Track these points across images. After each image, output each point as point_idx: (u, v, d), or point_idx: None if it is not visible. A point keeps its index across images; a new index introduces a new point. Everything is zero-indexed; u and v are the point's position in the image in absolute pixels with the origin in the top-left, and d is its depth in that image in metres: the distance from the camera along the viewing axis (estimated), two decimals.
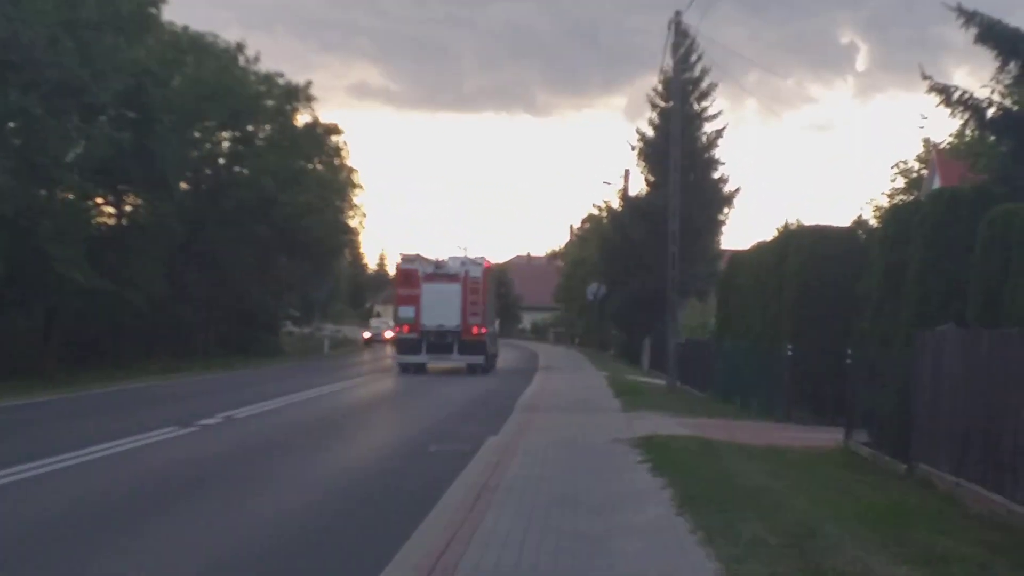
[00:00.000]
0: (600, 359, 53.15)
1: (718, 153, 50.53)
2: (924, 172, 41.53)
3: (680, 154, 32.34)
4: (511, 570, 7.91)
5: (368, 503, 11.54)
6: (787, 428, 19.36)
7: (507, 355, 49.67)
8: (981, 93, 17.58)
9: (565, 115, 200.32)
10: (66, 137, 32.35)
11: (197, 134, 48.19)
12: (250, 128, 51.63)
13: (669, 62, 33.68)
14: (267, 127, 52.70)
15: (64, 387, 28.76)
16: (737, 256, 29.99)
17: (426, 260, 39.23)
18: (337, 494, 12.03)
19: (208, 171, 51.19)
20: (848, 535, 8.90)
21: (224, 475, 13.39)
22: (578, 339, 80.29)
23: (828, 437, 16.59)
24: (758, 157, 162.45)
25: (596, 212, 74.17)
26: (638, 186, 54.04)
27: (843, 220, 59.25)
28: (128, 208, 42.16)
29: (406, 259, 39.50)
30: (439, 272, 38.17)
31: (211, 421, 19.58)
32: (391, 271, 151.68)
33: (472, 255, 40.08)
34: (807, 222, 41.86)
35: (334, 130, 56.31)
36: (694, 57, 47.94)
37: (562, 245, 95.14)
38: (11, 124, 31.65)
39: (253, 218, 49.11)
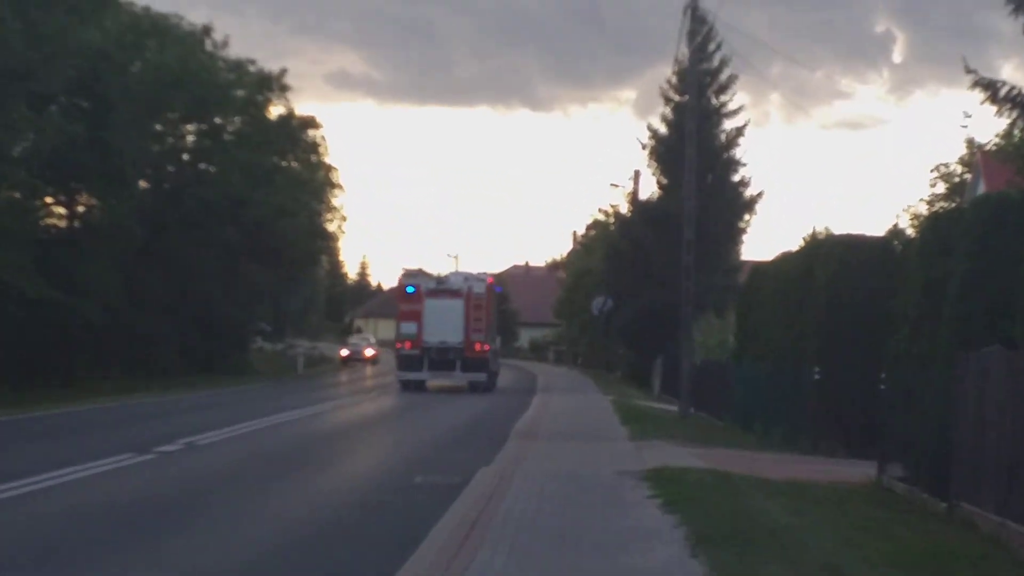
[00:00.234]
0: (606, 381, 53.18)
1: (738, 153, 50.72)
2: (967, 176, 41.63)
3: (696, 154, 32.37)
4: None
5: (344, 543, 11.48)
6: (813, 460, 19.33)
7: (502, 376, 49.76)
8: None
9: (568, 109, 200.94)
10: (12, 128, 32.38)
11: (159, 126, 48.29)
12: (217, 120, 51.73)
13: (684, 51, 33.81)
14: (236, 119, 52.79)
15: (6, 408, 28.64)
16: (759, 268, 30.01)
17: (428, 275, 42.70)
18: (309, 533, 11.98)
19: (171, 168, 51.27)
20: None
21: (182, 511, 13.32)
22: (581, 359, 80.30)
23: (859, 471, 16.56)
24: (783, 158, 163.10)
25: (602, 218, 74.30)
26: (649, 189, 54.21)
27: (877, 229, 59.42)
28: (81, 208, 42.23)
29: (408, 274, 42.83)
30: (442, 288, 41.15)
31: (171, 448, 19.50)
32: (373, 282, 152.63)
33: (474, 270, 42.84)
34: (837, 231, 41.88)
35: (311, 123, 56.46)
36: (712, 46, 47.97)
37: (564, 254, 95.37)
38: None
39: (220, 220, 49.17)
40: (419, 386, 41.08)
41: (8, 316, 35.06)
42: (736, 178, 50.48)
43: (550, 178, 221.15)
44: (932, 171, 46.06)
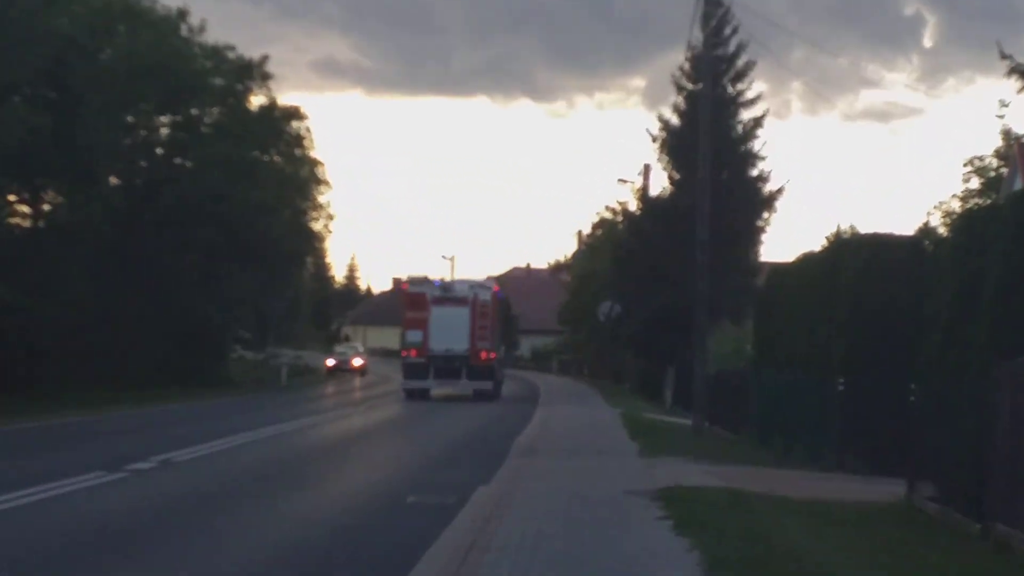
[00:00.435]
0: (613, 393, 53.23)
1: (756, 146, 50.59)
2: (1004, 170, 41.62)
3: (710, 147, 32.38)
4: None
5: (329, 570, 11.48)
6: (837, 478, 19.34)
7: (502, 389, 49.95)
8: None
9: (572, 99, 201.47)
10: None
11: (130, 118, 48.33)
12: (194, 111, 51.81)
13: (698, 36, 33.86)
14: (214, 110, 52.87)
15: None
16: (779, 269, 30.03)
17: (432, 282, 45.46)
18: (291, 560, 11.97)
19: (143, 163, 51.32)
20: None
21: (155, 535, 13.31)
22: (587, 368, 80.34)
23: (886, 490, 16.57)
24: (804, 151, 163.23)
25: (609, 216, 74.31)
26: (660, 185, 54.14)
27: (906, 227, 59.43)
28: (47, 207, 42.26)
29: (414, 282, 45.68)
30: (448, 295, 44.01)
31: (144, 465, 19.51)
32: (362, 285, 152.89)
33: (473, 275, 45.79)
34: (863, 229, 41.93)
35: (295, 114, 56.49)
36: (728, 30, 48.02)
37: (568, 255, 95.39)
38: None
39: (197, 219, 49.18)
40: (423, 395, 43.39)
41: None
42: (754, 173, 50.42)
43: (553, 173, 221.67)
44: (965, 165, 46.03)
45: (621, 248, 56.88)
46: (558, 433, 29.08)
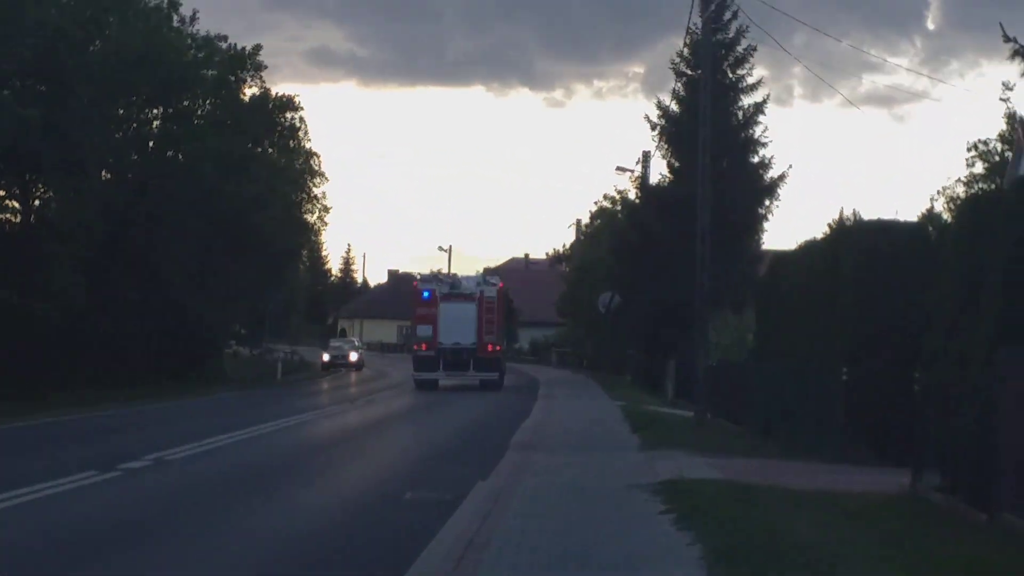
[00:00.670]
0: (614, 385, 53.16)
1: (757, 132, 50.59)
2: (1008, 154, 41.61)
3: (711, 133, 32.32)
4: None
5: (323, 568, 11.47)
6: (841, 469, 19.31)
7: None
8: None
9: (570, 87, 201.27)
10: None
11: (121, 111, 48.23)
12: (186, 103, 51.66)
13: (697, 20, 33.69)
14: (206, 102, 52.74)
15: None
16: (781, 258, 29.97)
17: (440, 278, 50.66)
18: (285, 557, 11.96)
19: (135, 156, 51.18)
20: None
21: (149, 535, 13.30)
22: (587, 361, 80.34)
23: (892, 480, 16.55)
24: (806, 137, 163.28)
25: (608, 205, 74.32)
26: (660, 173, 54.17)
27: (910, 213, 59.42)
28: (37, 202, 42.18)
29: (424, 279, 50.54)
30: (456, 292, 48.19)
31: (138, 464, 19.49)
32: (358, 279, 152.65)
33: (473, 271, 50.04)
34: (866, 216, 41.84)
35: (289, 105, 56.36)
36: (728, 14, 47.88)
37: (567, 246, 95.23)
38: None
39: (190, 214, 49.08)
40: (432, 385, 47.36)
41: None
42: (755, 160, 50.40)
43: (551, 162, 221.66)
44: (970, 149, 46.14)
45: (620, 238, 56.92)
46: (558, 425, 29.08)
